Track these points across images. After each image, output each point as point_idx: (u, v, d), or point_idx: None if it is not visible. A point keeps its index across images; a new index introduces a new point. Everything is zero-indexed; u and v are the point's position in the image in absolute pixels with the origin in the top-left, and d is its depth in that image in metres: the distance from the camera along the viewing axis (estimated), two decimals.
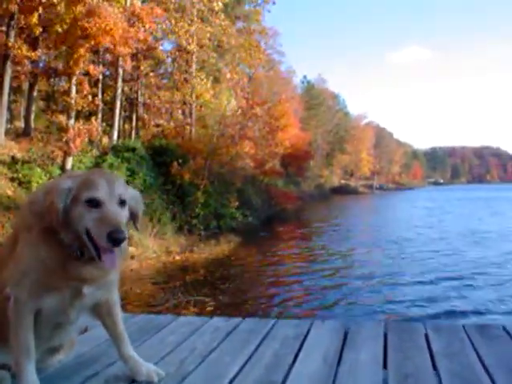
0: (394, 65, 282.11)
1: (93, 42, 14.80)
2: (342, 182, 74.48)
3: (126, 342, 2.15)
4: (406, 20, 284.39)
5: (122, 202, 1.79)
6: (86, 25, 13.95)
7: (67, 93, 16.26)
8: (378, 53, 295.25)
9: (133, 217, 1.93)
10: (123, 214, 1.78)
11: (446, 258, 13.19)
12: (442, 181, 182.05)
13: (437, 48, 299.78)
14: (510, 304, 8.24)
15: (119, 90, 19.45)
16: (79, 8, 14.03)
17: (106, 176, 1.82)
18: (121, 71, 19.22)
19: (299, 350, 2.50)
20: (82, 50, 14.68)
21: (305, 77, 66.06)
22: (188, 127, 23.83)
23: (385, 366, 2.30)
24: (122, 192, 1.80)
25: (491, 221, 24.58)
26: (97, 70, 16.50)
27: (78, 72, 15.55)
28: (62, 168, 14.98)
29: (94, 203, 1.71)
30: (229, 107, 23.52)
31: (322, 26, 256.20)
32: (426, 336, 2.70)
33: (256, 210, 23.90)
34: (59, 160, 15.51)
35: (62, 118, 16.67)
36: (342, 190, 65.57)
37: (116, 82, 19.46)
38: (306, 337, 2.71)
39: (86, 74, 16.45)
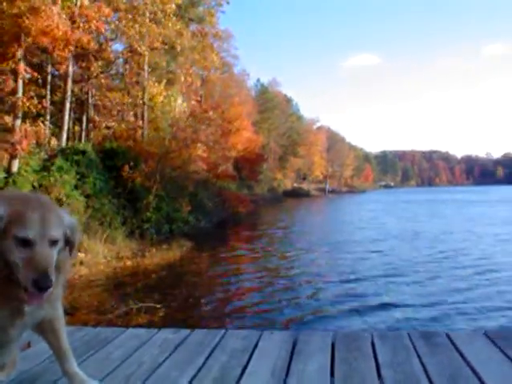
0: (346, 70, 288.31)
1: (30, 41, 14.34)
2: (295, 185, 75.24)
3: (70, 357, 2.09)
4: (356, 26, 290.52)
5: (54, 242, 1.74)
6: (26, 22, 13.48)
7: (13, 92, 15.67)
8: (330, 58, 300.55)
9: (69, 245, 1.88)
10: (53, 256, 1.73)
11: (382, 258, 13.96)
12: (392, 184, 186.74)
13: (387, 55, 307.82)
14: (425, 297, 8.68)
15: (69, 91, 18.94)
16: (23, 4, 13.55)
17: (40, 210, 1.73)
18: (71, 71, 18.73)
19: (247, 362, 2.50)
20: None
21: (258, 80, 66.58)
22: (140, 130, 23.48)
23: (332, 376, 2.32)
24: (56, 231, 1.74)
25: (430, 222, 25.80)
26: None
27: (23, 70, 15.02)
28: (8, 171, 14.45)
29: (25, 242, 1.66)
30: (179, 109, 23.36)
31: (275, 29, 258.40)
32: (373, 344, 2.75)
33: (209, 214, 23.83)
34: (4, 163, 14.93)
35: (8, 119, 16.06)
36: (295, 193, 66.22)
37: (65, 83, 18.95)
38: (254, 349, 2.70)
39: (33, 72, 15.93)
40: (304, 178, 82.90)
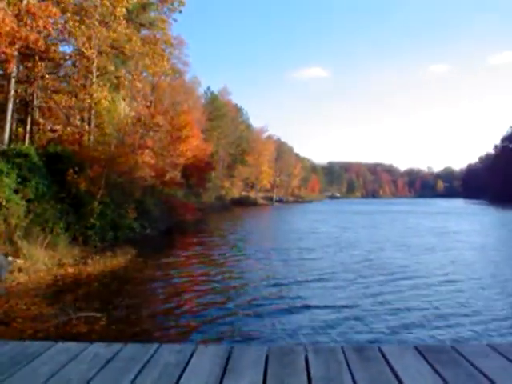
0: (296, 82, 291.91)
1: None
2: (243, 193, 75.53)
3: None
4: (306, 40, 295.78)
5: None
6: None
7: None
8: (280, 69, 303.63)
9: None
10: None
11: (314, 264, 14.78)
12: (338, 195, 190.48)
13: (336, 69, 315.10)
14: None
15: (12, 91, 18.32)
16: None
17: None
18: (15, 71, 18.13)
19: (179, 378, 2.48)
20: None
21: (208, 88, 66.53)
22: (86, 134, 22.97)
23: None
24: None
25: (366, 232, 27.27)
26: None
27: None
28: None
29: None
30: (125, 114, 23.03)
31: (225, 38, 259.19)
32: (306, 359, 2.80)
33: (155, 221, 23.54)
34: None
35: None
36: (243, 202, 66.50)
37: (9, 82, 18.33)
38: (187, 363, 2.68)
39: None
40: (252, 187, 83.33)
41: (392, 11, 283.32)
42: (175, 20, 32.36)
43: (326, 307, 9.18)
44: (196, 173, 44.82)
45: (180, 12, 31.53)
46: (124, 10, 22.40)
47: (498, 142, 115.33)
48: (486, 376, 2.61)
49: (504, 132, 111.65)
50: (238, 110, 76.15)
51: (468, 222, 36.95)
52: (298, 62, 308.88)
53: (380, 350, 3.00)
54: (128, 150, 20.94)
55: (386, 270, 13.75)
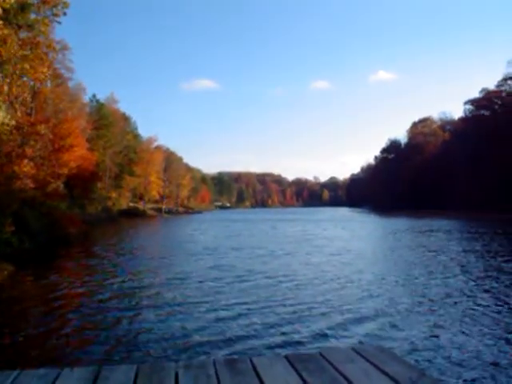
0: (186, 93, 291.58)
1: None
2: (131, 204, 73.59)
3: None
4: (196, 52, 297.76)
5: None
6: None
7: None
8: (171, 80, 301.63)
9: None
10: None
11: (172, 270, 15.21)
12: (228, 204, 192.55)
13: (225, 81, 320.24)
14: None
15: None
16: None
17: None
18: None
19: None
20: None
21: (94, 95, 64.06)
22: None
23: None
24: None
25: (245, 239, 28.31)
26: None
27: None
28: None
29: None
30: (1, 122, 21.48)
31: (118, 47, 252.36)
32: (176, 375, 2.79)
33: (35, 235, 22.10)
34: None
35: None
36: (131, 213, 64.72)
37: None
38: None
39: None
40: (140, 198, 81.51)
41: (279, 30, 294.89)
42: (59, 23, 30.94)
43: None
44: (81, 183, 42.99)
45: (64, 15, 30.18)
46: (0, 10, 20.96)
47: (378, 153, 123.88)
48: (348, 380, 2.76)
49: (383, 144, 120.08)
50: (126, 118, 74.25)
51: (343, 229, 39.38)
52: (190, 73, 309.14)
53: (251, 362, 3.04)
54: (4, 159, 19.53)
55: (233, 272, 14.53)
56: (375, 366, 3.00)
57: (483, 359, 6.40)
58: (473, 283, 12.23)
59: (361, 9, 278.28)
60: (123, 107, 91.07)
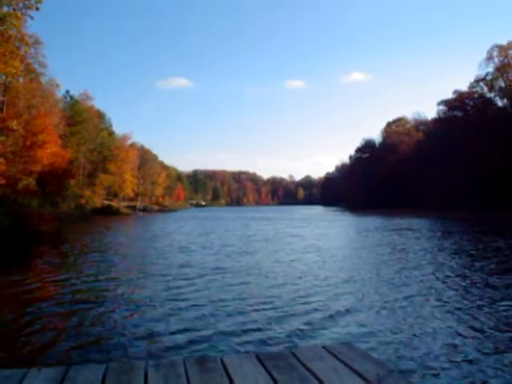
0: (162, 91, 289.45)
1: None
2: (105, 202, 72.74)
3: None
4: (172, 51, 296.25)
5: None
6: None
7: None
8: (147, 78, 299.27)
9: None
10: None
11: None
12: (203, 203, 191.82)
13: (199, 80, 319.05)
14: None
15: None
16: None
17: None
18: None
19: None
20: None
21: (68, 91, 63.10)
22: None
23: None
24: None
25: (208, 238, 28.38)
26: None
27: None
28: None
29: None
30: None
31: (93, 44, 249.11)
32: (146, 374, 2.77)
33: (5, 233, 21.71)
34: None
35: None
36: (105, 211, 63.95)
37: None
38: None
39: None
40: (114, 196, 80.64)
41: (255, 30, 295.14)
42: (31, 17, 30.38)
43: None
44: (53, 181, 42.26)
45: (37, 9, 29.64)
46: None
47: (352, 152, 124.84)
48: (316, 377, 2.80)
49: (358, 144, 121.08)
50: (101, 115, 73.33)
51: (315, 227, 39.68)
52: (165, 71, 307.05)
53: (221, 361, 3.04)
54: None
55: (201, 270, 14.69)
56: (344, 363, 3.05)
57: (448, 354, 6.54)
58: (438, 281, 12.43)
59: (337, 10, 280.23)
60: (98, 104, 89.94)
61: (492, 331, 7.62)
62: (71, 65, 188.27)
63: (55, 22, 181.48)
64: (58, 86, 52.67)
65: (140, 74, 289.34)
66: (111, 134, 77.76)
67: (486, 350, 6.65)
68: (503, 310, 9.05)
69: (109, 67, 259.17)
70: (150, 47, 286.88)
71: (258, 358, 3.16)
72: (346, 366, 3.01)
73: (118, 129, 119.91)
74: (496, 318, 8.50)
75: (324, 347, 3.47)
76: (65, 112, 56.83)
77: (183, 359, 3.09)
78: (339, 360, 3.11)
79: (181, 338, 7.44)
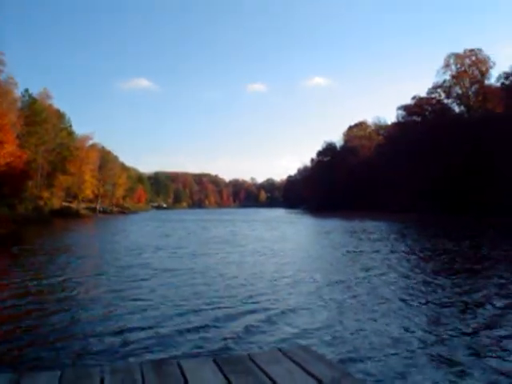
0: (123, 93, 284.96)
1: None
2: (65, 204, 71.10)
3: None
4: (133, 52, 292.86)
5: None
6: None
7: None
8: (106, 79, 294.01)
9: None
10: None
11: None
12: (165, 205, 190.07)
13: (163, 81, 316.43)
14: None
15: None
16: None
17: None
18: None
19: None
20: None
21: (27, 90, 61.30)
22: None
23: None
24: None
25: (165, 240, 28.59)
26: None
27: None
28: None
29: None
30: None
31: (54, 43, 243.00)
32: (102, 381, 2.74)
33: None
34: None
35: None
36: (64, 213, 62.43)
37: None
38: None
39: None
40: (74, 197, 78.92)
41: (216, 34, 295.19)
42: None
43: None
44: (10, 182, 41.09)
45: None
46: None
47: (314, 155, 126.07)
48: (273, 381, 2.83)
49: (320, 147, 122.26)
50: (61, 115, 71.55)
51: (273, 229, 40.20)
52: (126, 72, 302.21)
53: (179, 365, 3.05)
54: None
55: (151, 271, 14.85)
56: (300, 366, 3.10)
57: (404, 351, 6.71)
58: (385, 281, 12.79)
59: (299, 15, 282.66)
60: (58, 104, 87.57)
61: (428, 329, 7.91)
62: (30, 64, 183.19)
63: (14, 19, 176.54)
64: (16, 84, 51.35)
65: (101, 73, 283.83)
66: (71, 134, 75.84)
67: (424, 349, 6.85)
68: (441, 307, 9.51)
69: (69, 67, 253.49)
70: (113, 47, 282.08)
71: (215, 361, 3.18)
72: (302, 368, 3.05)
73: (78, 129, 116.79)
74: (432, 315, 9.01)
75: (280, 350, 3.52)
76: (23, 111, 55.28)
77: (140, 364, 3.07)
78: (295, 363, 3.16)
79: (129, 337, 7.42)
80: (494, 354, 6.55)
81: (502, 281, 12.51)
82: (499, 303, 9.75)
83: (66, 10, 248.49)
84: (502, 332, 7.65)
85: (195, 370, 2.94)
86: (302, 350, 3.69)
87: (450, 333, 7.66)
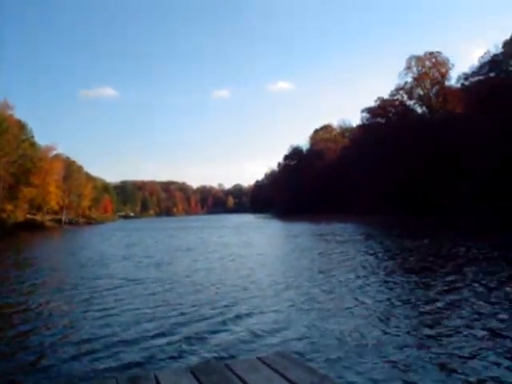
0: (87, 101, 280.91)
1: None
2: (29, 216, 69.53)
3: None
4: (96, 59, 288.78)
5: None
6: None
7: None
8: (70, 88, 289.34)
9: None
10: None
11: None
12: (132, 214, 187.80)
13: (124, 89, 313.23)
14: None
15: None
16: None
17: None
18: None
19: None
20: None
21: None
22: None
23: None
24: None
25: (130, 250, 28.59)
26: None
27: None
28: None
29: None
30: None
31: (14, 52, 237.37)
32: None
33: None
34: None
35: None
36: (28, 226, 61.08)
37: None
38: None
39: None
40: (38, 209, 77.24)
41: (177, 41, 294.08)
42: None
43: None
44: None
45: None
46: None
47: (281, 160, 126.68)
48: None
49: (286, 151, 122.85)
50: (22, 126, 70.03)
51: (240, 235, 40.58)
52: (91, 81, 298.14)
53: (155, 377, 3.05)
54: None
55: (114, 281, 14.98)
56: (279, 373, 3.11)
57: (374, 351, 6.95)
58: (357, 281, 13.19)
59: (262, 20, 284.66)
60: (19, 114, 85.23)
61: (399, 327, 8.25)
62: None
63: None
64: None
65: (64, 82, 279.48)
66: (33, 144, 74.26)
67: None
68: (392, 306, 9.93)
69: (30, 74, 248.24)
70: (76, 56, 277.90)
71: (192, 372, 3.17)
72: (281, 375, 3.06)
73: (41, 140, 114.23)
74: (383, 312, 9.37)
75: (258, 358, 3.52)
76: None
77: (115, 378, 3.04)
78: (273, 370, 3.16)
79: (93, 347, 7.50)
80: (441, 350, 6.81)
81: (452, 277, 12.98)
82: (446, 298, 10.26)
83: (27, 13, 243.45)
84: (443, 329, 7.94)
85: (172, 382, 2.93)
86: (280, 356, 3.66)
87: (397, 329, 8.01)
